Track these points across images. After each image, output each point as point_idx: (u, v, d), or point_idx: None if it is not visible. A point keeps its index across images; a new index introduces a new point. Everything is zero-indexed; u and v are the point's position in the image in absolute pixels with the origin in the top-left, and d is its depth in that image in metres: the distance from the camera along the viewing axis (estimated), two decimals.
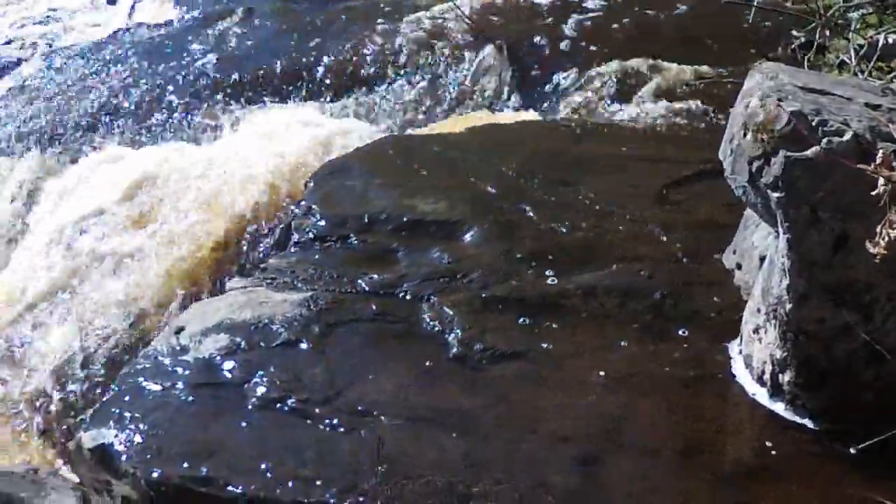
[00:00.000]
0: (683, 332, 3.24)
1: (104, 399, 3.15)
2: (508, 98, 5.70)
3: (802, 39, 5.57)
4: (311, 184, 4.14)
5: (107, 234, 4.93)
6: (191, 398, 3.02)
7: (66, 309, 4.63)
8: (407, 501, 2.60)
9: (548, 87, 5.66)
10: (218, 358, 3.12)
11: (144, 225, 4.72)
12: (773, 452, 2.74)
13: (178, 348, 3.22)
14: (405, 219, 3.78)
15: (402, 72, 5.98)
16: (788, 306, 2.74)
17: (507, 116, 5.20)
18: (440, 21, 6.30)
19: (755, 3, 5.87)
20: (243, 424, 2.87)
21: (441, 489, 2.62)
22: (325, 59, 6.23)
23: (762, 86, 2.73)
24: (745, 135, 2.73)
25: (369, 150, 4.47)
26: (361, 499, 2.61)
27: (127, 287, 4.55)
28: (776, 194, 2.59)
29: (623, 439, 2.82)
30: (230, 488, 2.65)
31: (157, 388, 3.09)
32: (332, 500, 2.61)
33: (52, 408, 4.26)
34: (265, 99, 6.04)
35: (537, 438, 2.81)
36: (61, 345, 4.33)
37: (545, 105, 5.55)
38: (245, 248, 4.30)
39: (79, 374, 4.22)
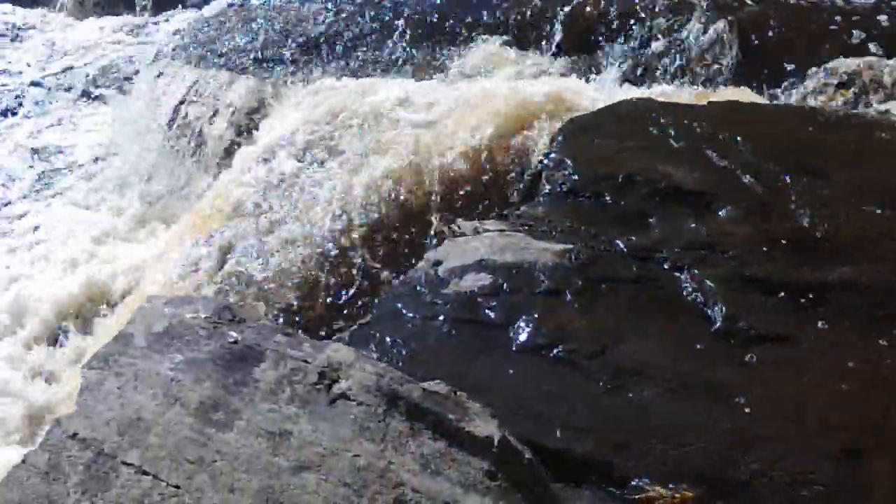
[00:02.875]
0: None
1: (362, 321, 3.21)
2: (736, 76, 5.56)
3: None
4: (560, 137, 4.13)
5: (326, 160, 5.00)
6: (453, 332, 3.06)
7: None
8: (677, 467, 2.59)
9: (779, 71, 5.49)
10: (480, 296, 3.15)
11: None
12: None
13: (436, 281, 3.27)
14: (660, 184, 3.73)
15: (630, 34, 5.89)
16: None
17: (744, 95, 5.07)
18: None
19: None
20: (509, 366, 2.89)
21: (712, 460, 2.61)
22: (551, 11, 6.18)
23: None
24: None
25: (616, 110, 4.42)
26: (630, 458, 2.61)
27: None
28: None
29: (885, 437, 2.75)
30: None
31: (417, 317, 3.14)
32: (601, 455, 2.62)
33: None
34: (490, 44, 6.03)
35: (803, 423, 2.76)
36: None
37: (775, 88, 5.40)
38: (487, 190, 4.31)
39: None
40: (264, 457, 1.86)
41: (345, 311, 4.07)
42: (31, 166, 8.06)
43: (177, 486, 1.77)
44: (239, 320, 2.25)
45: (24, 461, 1.92)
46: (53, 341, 5.53)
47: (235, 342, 2.18)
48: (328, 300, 4.19)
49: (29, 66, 10.16)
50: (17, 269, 6.22)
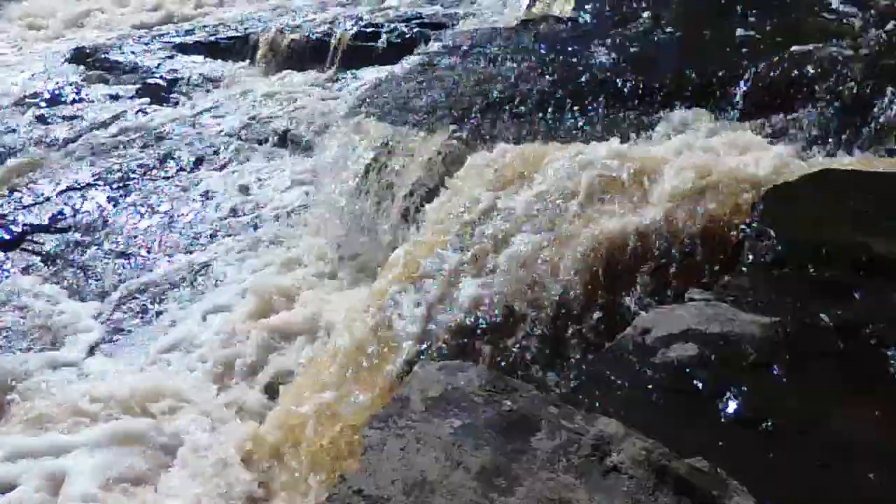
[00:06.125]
0: None
1: (572, 386, 3.34)
2: None
3: None
4: (762, 206, 4.19)
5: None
6: (661, 401, 3.16)
7: None
8: None
9: None
10: (688, 366, 3.25)
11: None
12: None
13: (644, 349, 3.38)
14: (863, 257, 3.75)
15: (816, 96, 5.87)
16: None
17: None
18: (865, 48, 6.13)
19: None
20: (718, 438, 2.97)
21: None
22: (732, 74, 6.23)
23: None
24: None
25: (815, 179, 4.47)
26: None
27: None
28: None
29: None
30: None
31: (626, 384, 3.26)
32: None
33: None
34: (675, 109, 6.11)
35: None
36: None
37: None
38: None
39: None
40: None
41: (547, 374, 4.21)
42: (225, 216, 8.48)
43: None
44: (511, 389, 2.42)
45: None
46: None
47: (511, 410, 2.35)
48: (532, 363, 4.34)
49: (222, 116, 10.68)
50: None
